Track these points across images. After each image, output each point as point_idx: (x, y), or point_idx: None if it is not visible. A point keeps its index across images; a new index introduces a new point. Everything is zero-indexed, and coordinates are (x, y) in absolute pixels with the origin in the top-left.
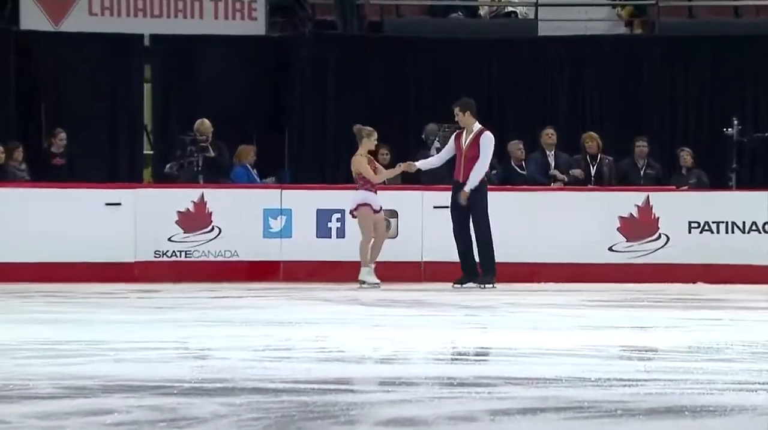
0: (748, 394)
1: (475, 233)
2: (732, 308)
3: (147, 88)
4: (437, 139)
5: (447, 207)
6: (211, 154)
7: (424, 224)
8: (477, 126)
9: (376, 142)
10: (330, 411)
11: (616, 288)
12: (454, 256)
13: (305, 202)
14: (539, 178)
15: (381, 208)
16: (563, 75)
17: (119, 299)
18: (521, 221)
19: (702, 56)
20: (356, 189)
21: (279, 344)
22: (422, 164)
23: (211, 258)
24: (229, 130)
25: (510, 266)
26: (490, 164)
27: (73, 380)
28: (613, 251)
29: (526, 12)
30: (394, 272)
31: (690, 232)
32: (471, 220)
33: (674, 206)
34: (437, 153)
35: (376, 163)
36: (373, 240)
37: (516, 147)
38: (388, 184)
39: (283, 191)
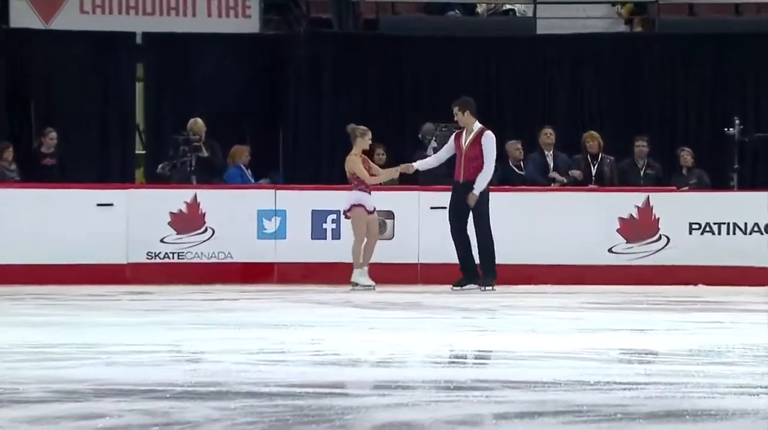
0: (749, 398)
1: (477, 234)
2: (733, 311)
3: (139, 87)
4: (434, 138)
5: (444, 208)
6: (205, 154)
7: (420, 225)
8: (477, 125)
9: (370, 142)
10: (325, 415)
11: (615, 290)
12: (451, 257)
13: (300, 203)
14: (538, 179)
15: (375, 209)
16: (562, 74)
17: (111, 302)
18: (519, 222)
19: (703, 54)
20: (350, 189)
21: (273, 347)
22: (420, 165)
23: (205, 260)
24: (222, 130)
25: (508, 268)
26: None
27: (63, 383)
28: (612, 252)
29: (525, 10)
30: (389, 274)
31: (691, 233)
32: (472, 221)
33: (675, 207)
34: (434, 153)
35: (370, 162)
36: (365, 241)
37: (514, 147)
38: (384, 185)
39: (278, 192)
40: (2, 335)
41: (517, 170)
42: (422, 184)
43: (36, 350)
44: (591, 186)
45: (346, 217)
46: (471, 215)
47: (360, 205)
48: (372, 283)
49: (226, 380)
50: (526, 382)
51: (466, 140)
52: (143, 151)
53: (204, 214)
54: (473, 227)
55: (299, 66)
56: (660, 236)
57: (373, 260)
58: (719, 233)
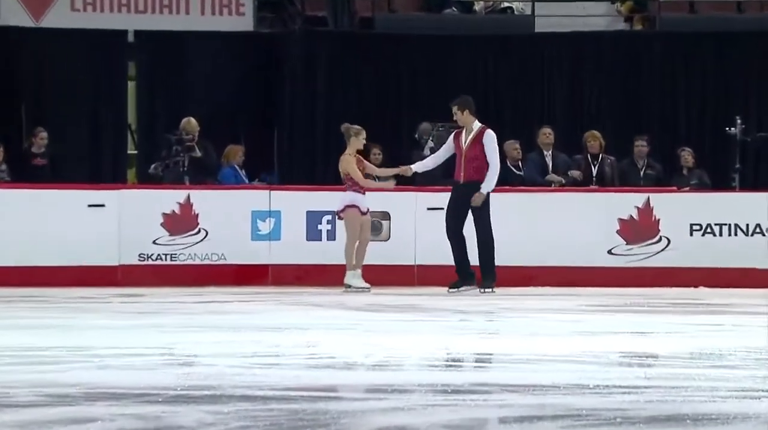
0: (751, 402)
1: (477, 235)
2: (735, 313)
3: (131, 86)
4: (431, 138)
5: (441, 209)
6: (198, 154)
7: (417, 226)
8: (477, 125)
9: (365, 141)
10: (320, 419)
11: (615, 292)
12: (448, 259)
13: (295, 203)
14: (537, 180)
15: (368, 210)
16: (561, 73)
17: (102, 304)
18: (518, 223)
19: (704, 53)
20: (344, 190)
21: (268, 350)
22: (418, 167)
23: (198, 261)
24: (216, 130)
25: (506, 270)
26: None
27: (54, 387)
28: (612, 254)
29: (523, 7)
30: (386, 276)
31: (692, 234)
32: (473, 222)
33: (675, 208)
34: (431, 153)
35: (365, 162)
36: (357, 243)
37: (512, 147)
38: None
39: (272, 193)
40: None
41: (515, 171)
42: (419, 185)
43: (26, 353)
44: (592, 187)
45: (339, 218)
46: (471, 215)
47: (353, 206)
48: (366, 285)
49: (219, 384)
50: (525, 385)
51: (466, 140)
52: (135, 151)
53: (197, 215)
54: (474, 227)
55: (294, 65)
56: (660, 237)
57: (369, 261)
58: (720, 235)
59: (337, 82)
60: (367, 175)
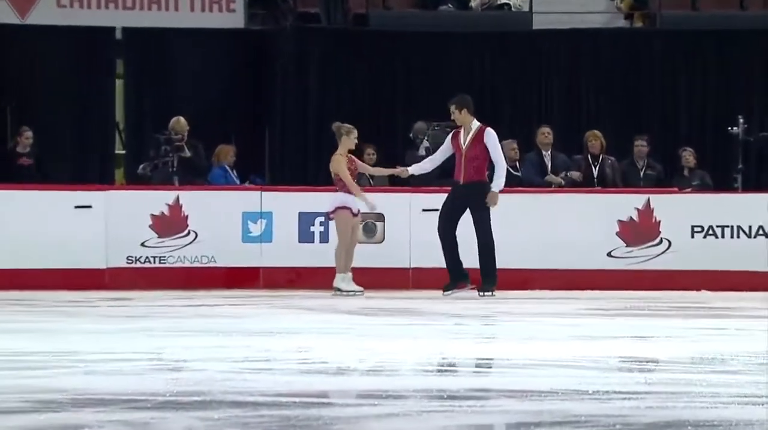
0: (754, 408)
1: (478, 237)
2: (737, 317)
3: (119, 84)
4: (426, 138)
5: (437, 210)
6: (187, 154)
7: (412, 228)
8: (476, 124)
9: (356, 141)
10: (312, 426)
11: (615, 296)
12: (443, 262)
13: (287, 204)
14: (535, 180)
15: (359, 211)
16: (559, 71)
17: (89, 308)
18: (515, 224)
19: (705, 51)
20: (335, 191)
21: (259, 355)
22: (415, 169)
23: (187, 264)
24: (205, 129)
25: (503, 272)
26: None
27: (40, 393)
28: (612, 256)
29: (520, 4)
30: (380, 279)
31: (693, 236)
32: (473, 224)
33: (676, 209)
34: (426, 153)
35: (358, 161)
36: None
37: (510, 147)
38: (374, 186)
39: (264, 193)
40: None
41: (512, 171)
42: (414, 186)
43: (11, 358)
44: (591, 188)
45: (329, 219)
46: (471, 218)
47: (345, 207)
48: (358, 288)
49: (209, 390)
50: (522, 391)
51: (465, 140)
52: (123, 151)
53: (186, 216)
54: (474, 229)
55: (286, 62)
56: (661, 239)
57: (363, 264)
58: (722, 237)
59: (330, 80)
60: (360, 175)
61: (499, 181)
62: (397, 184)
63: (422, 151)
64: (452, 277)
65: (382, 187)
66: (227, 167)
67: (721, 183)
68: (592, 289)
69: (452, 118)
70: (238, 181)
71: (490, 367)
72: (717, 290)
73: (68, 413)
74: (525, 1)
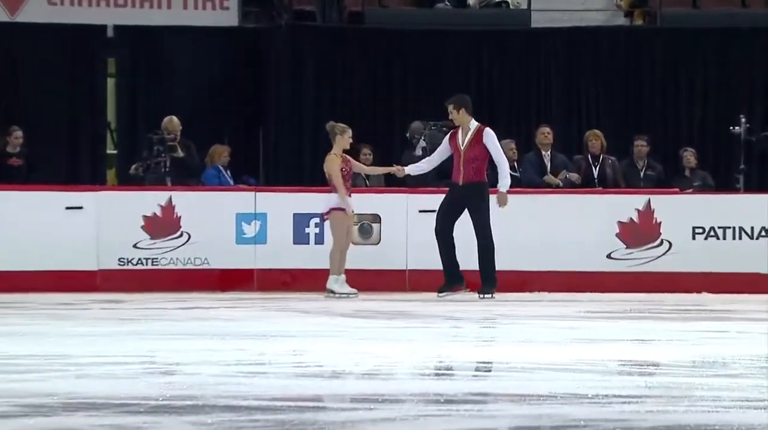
0: (755, 412)
1: (477, 239)
2: (739, 320)
3: (111, 83)
4: (423, 137)
5: (434, 211)
6: (180, 154)
7: (408, 229)
8: (474, 124)
9: (351, 140)
10: None
11: (614, 298)
12: (440, 264)
13: (281, 205)
14: (535, 181)
15: (353, 212)
16: (558, 70)
17: (81, 310)
18: (513, 225)
19: (707, 49)
20: (329, 191)
21: (253, 358)
22: (411, 169)
23: (180, 266)
24: (199, 129)
25: (502, 274)
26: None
27: (31, 397)
28: (611, 258)
29: (519, 2)
30: (376, 281)
31: (694, 238)
32: (472, 226)
33: (677, 210)
34: (423, 153)
35: (353, 161)
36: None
37: (508, 147)
38: (371, 187)
39: (258, 194)
40: None
41: (511, 172)
42: (411, 187)
43: (1, 362)
44: (590, 188)
45: (323, 220)
46: (470, 219)
47: (339, 208)
48: (352, 290)
49: (202, 394)
50: (521, 395)
51: (463, 140)
52: (115, 151)
53: (179, 217)
54: (474, 231)
55: (280, 61)
56: (661, 240)
57: (359, 266)
58: (724, 238)
59: (326, 79)
60: (356, 175)
61: (504, 181)
62: (393, 184)
63: (419, 151)
64: (448, 279)
65: (379, 188)
66: (221, 168)
67: (722, 183)
68: (592, 291)
69: (450, 117)
70: (231, 182)
71: (488, 370)
72: (718, 292)
73: (59, 418)
74: None
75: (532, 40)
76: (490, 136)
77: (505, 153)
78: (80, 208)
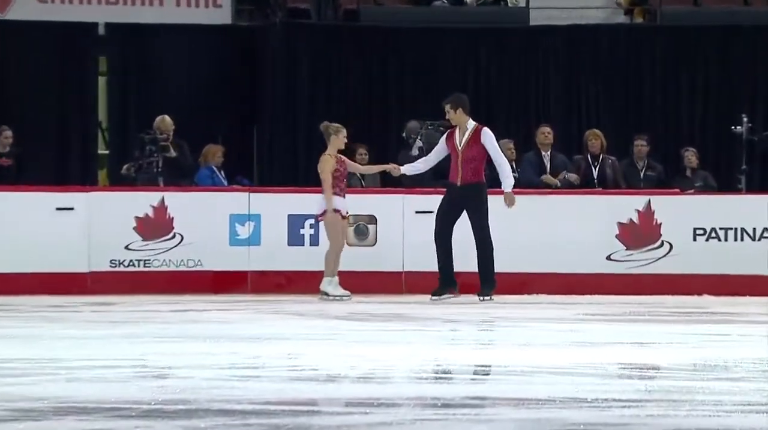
0: (757, 416)
1: (476, 240)
2: (741, 323)
3: (102, 81)
4: (419, 137)
5: (430, 212)
6: (172, 154)
7: (405, 230)
8: (472, 123)
9: (345, 140)
10: None
11: (614, 300)
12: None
13: (275, 206)
14: (534, 181)
15: (348, 213)
16: (557, 68)
17: (71, 313)
18: (512, 226)
19: (708, 47)
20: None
21: (247, 361)
22: (407, 169)
23: (173, 268)
24: (192, 128)
25: (500, 276)
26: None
27: (21, 401)
28: (611, 259)
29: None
30: (372, 283)
31: (695, 239)
32: (471, 227)
33: (678, 211)
34: (419, 153)
35: (348, 161)
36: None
37: (506, 147)
38: (366, 187)
39: (252, 195)
40: None
41: None
42: (407, 187)
43: None
44: (589, 189)
45: (317, 221)
46: (469, 220)
47: (334, 210)
48: (346, 292)
49: (195, 398)
50: (519, 399)
51: (461, 140)
52: (106, 151)
53: (172, 218)
54: (472, 233)
55: (274, 60)
56: (662, 242)
57: (355, 268)
58: (725, 239)
59: (321, 78)
60: (351, 175)
61: (508, 181)
62: (389, 184)
63: (415, 151)
64: (442, 282)
65: (375, 189)
66: (214, 168)
67: (724, 184)
68: (591, 293)
69: (447, 117)
70: (225, 182)
71: (486, 374)
72: (720, 294)
73: (50, 422)
74: None
75: (530, 38)
76: (488, 136)
77: (503, 153)
78: (71, 209)
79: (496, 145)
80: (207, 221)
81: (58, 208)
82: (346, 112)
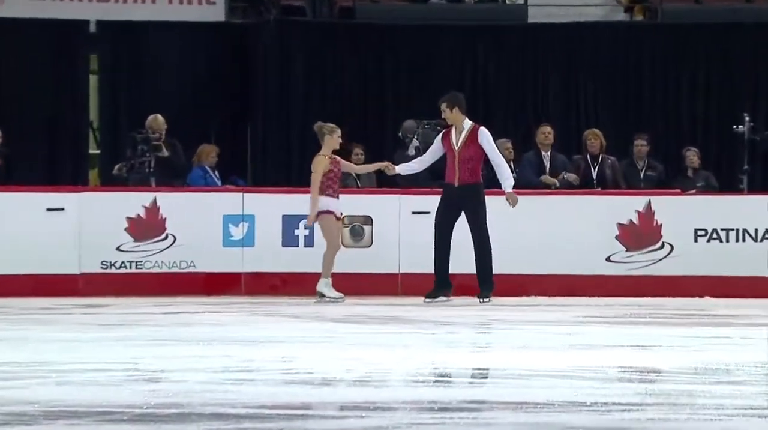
0: (759, 420)
1: (474, 242)
2: (742, 325)
3: (93, 80)
4: (416, 137)
5: (427, 213)
6: (165, 153)
7: (401, 231)
8: (468, 123)
9: (340, 140)
10: None
11: (614, 303)
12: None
13: (269, 207)
14: (533, 181)
15: (343, 215)
16: (556, 66)
17: (62, 315)
18: (510, 227)
19: (709, 45)
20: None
21: (240, 365)
22: (402, 168)
23: (165, 269)
24: (184, 127)
25: (498, 278)
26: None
27: (11, 405)
28: (611, 261)
29: None
30: (367, 285)
31: (696, 240)
32: (469, 228)
33: (679, 212)
34: (416, 152)
35: (342, 161)
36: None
37: (504, 147)
38: (362, 187)
39: (245, 195)
40: None
41: None
42: (403, 187)
43: None
44: (589, 189)
45: (311, 223)
46: (467, 221)
47: (329, 211)
48: (339, 294)
49: (188, 401)
50: (518, 402)
51: (457, 140)
52: (98, 151)
53: (164, 219)
54: (470, 234)
55: (268, 57)
56: (663, 243)
57: (350, 269)
58: (727, 241)
59: (316, 76)
60: (346, 175)
61: (508, 181)
62: (385, 184)
63: (412, 151)
64: (437, 284)
65: (371, 189)
66: (207, 168)
67: (725, 184)
68: (591, 295)
69: (443, 116)
70: (219, 183)
71: (484, 377)
72: (721, 296)
73: (40, 426)
74: None
75: (529, 36)
76: (485, 136)
77: (501, 153)
78: (61, 209)
79: (494, 145)
80: (200, 221)
81: (49, 209)
82: (341, 110)
